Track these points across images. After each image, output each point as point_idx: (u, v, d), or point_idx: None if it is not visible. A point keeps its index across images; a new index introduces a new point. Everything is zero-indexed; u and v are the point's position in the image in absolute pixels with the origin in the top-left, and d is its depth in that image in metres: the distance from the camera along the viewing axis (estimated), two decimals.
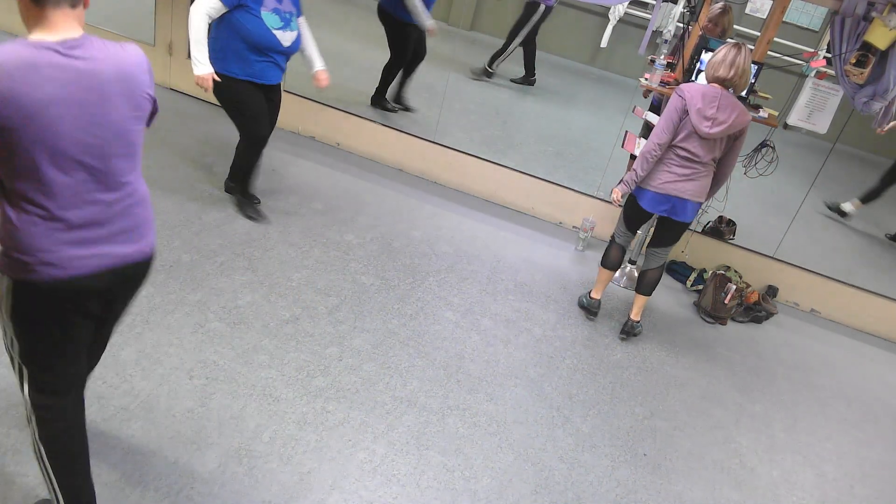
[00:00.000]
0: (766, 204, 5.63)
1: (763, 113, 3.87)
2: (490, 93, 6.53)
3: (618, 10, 7.58)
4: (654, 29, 4.06)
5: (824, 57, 3.92)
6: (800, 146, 6.01)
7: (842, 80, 3.61)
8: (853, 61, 3.49)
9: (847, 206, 5.82)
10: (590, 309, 3.66)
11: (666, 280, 4.35)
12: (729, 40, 3.42)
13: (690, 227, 4.36)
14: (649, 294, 3.60)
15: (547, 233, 4.51)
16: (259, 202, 3.80)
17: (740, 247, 4.43)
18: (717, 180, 3.36)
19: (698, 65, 3.64)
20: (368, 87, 5.33)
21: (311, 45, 3.55)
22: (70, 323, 1.75)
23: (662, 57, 3.98)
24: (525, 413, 2.94)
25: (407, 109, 5.40)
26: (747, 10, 7.39)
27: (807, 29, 7.47)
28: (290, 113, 4.63)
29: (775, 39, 3.94)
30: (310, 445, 2.51)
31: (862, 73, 3.49)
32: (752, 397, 3.46)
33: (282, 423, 2.57)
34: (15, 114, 1.49)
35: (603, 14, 7.80)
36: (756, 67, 3.74)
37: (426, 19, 4.95)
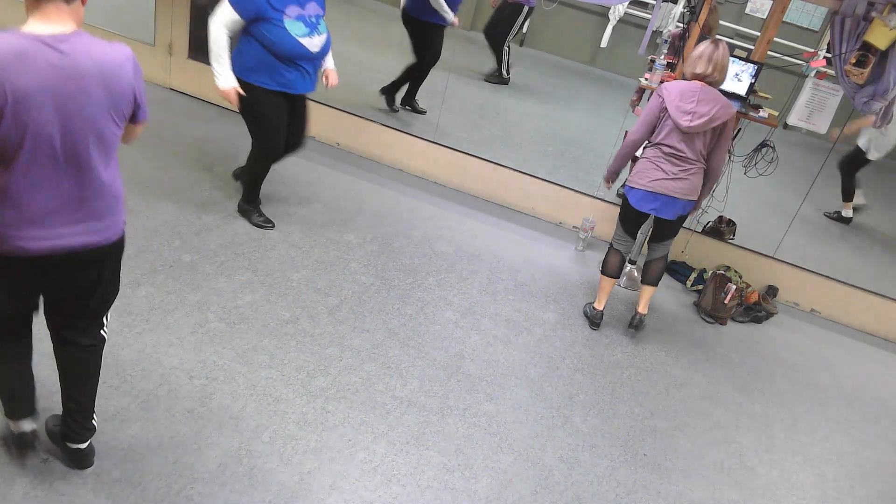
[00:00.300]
0: (766, 204, 5.63)
1: (763, 113, 3.88)
2: (490, 93, 6.53)
3: (618, 10, 7.58)
4: (654, 29, 4.06)
5: (824, 57, 3.92)
6: (800, 146, 6.01)
7: (842, 80, 3.61)
8: (853, 61, 3.49)
9: (847, 212, 5.81)
10: (593, 320, 3.64)
11: (666, 280, 4.35)
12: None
13: (690, 228, 4.37)
14: (655, 284, 3.62)
15: (547, 233, 4.51)
16: (272, 225, 3.74)
17: (740, 247, 4.43)
18: (709, 176, 3.37)
19: None
20: (369, 87, 5.33)
21: None
22: (14, 282, 1.89)
23: (662, 57, 3.98)
24: (525, 413, 2.94)
25: (418, 111, 5.42)
26: (747, 10, 7.38)
27: (807, 29, 7.47)
28: None
29: (775, 39, 3.94)
30: (310, 445, 2.51)
31: (862, 73, 3.49)
32: (752, 397, 3.46)
33: (282, 423, 2.57)
34: (0, 99, 1.59)
35: (603, 14, 7.80)
36: (756, 67, 3.75)
37: (448, 13, 5.01)
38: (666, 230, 3.51)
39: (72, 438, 2.14)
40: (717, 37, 3.61)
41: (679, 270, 4.41)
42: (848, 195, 5.76)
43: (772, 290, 4.38)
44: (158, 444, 2.35)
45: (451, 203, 4.54)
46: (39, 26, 1.65)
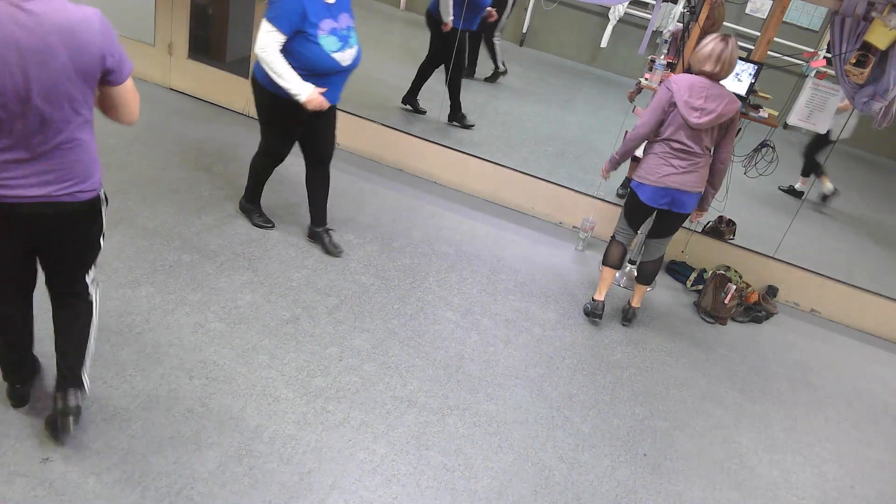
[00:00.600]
0: (766, 204, 5.63)
1: (763, 113, 3.87)
2: (490, 93, 6.53)
3: (618, 10, 7.58)
4: (654, 29, 4.06)
5: (824, 57, 3.92)
6: (800, 146, 6.01)
7: (842, 80, 3.61)
8: (853, 61, 3.49)
9: (801, 187, 5.83)
10: (593, 311, 3.65)
11: (666, 280, 4.36)
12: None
13: (690, 228, 4.37)
14: (649, 283, 3.69)
15: (547, 233, 4.51)
16: (273, 225, 3.73)
17: (740, 247, 4.43)
18: (716, 171, 3.39)
19: None
20: (368, 87, 5.33)
21: None
22: None
23: (662, 57, 3.98)
24: (525, 413, 2.94)
25: (418, 111, 5.45)
26: (747, 10, 7.38)
27: (807, 29, 7.47)
28: None
29: (775, 39, 3.94)
30: (310, 445, 2.51)
31: (862, 73, 3.48)
32: (752, 397, 3.46)
33: (282, 423, 2.57)
34: None
35: (603, 14, 7.80)
36: (756, 67, 3.75)
37: (447, 15, 5.05)
38: (667, 227, 3.53)
39: (59, 387, 2.22)
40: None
41: (679, 270, 4.41)
42: (806, 171, 5.82)
43: (772, 290, 4.38)
44: (158, 444, 2.35)
45: (451, 203, 4.54)
46: None
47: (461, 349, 3.21)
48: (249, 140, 4.58)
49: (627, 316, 3.73)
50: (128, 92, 2.01)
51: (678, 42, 4.08)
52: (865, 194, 6.77)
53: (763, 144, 4.05)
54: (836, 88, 3.84)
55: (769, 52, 3.93)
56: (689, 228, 4.36)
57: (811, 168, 5.77)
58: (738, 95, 3.81)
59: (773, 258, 4.40)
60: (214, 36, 5.22)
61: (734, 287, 3.97)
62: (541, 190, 4.60)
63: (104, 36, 1.87)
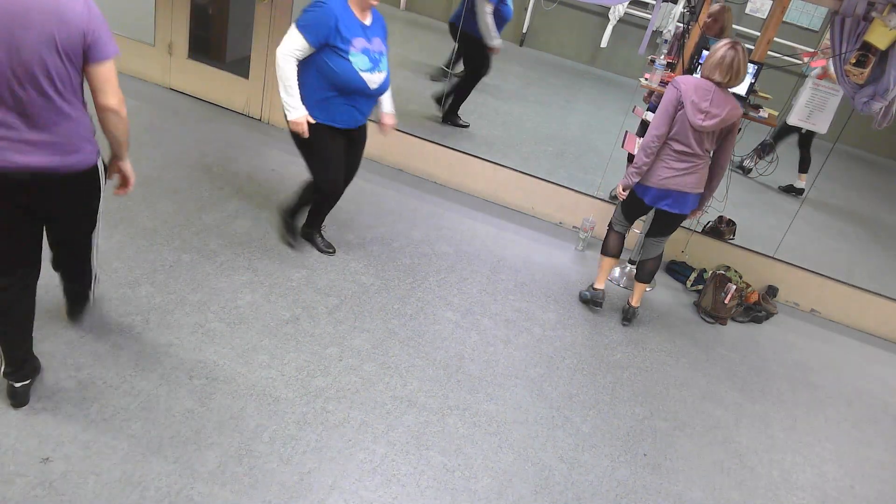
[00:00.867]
0: (766, 204, 5.63)
1: (763, 113, 3.88)
2: (490, 93, 6.53)
3: (618, 10, 7.58)
4: (654, 29, 4.06)
5: (819, 54, 3.92)
6: (794, 144, 6.01)
7: (842, 80, 3.61)
8: (853, 61, 3.49)
9: (800, 184, 5.82)
10: (594, 300, 3.68)
11: (666, 280, 4.36)
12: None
13: (690, 228, 4.37)
14: (648, 281, 3.71)
15: (547, 233, 4.51)
16: (333, 251, 3.67)
17: (740, 247, 4.43)
18: (715, 173, 3.43)
19: (699, 66, 3.64)
20: None
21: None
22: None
23: (662, 57, 3.98)
24: (525, 413, 2.94)
25: (460, 126, 5.45)
26: (747, 10, 7.39)
27: (807, 29, 7.47)
28: None
29: (775, 39, 3.94)
30: (310, 445, 2.51)
31: (862, 73, 3.48)
32: (752, 397, 3.46)
33: (282, 423, 2.57)
34: None
35: (603, 14, 7.80)
36: (756, 67, 3.75)
37: (493, 39, 5.05)
38: (666, 226, 3.56)
39: (70, 298, 2.63)
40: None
41: (679, 270, 4.41)
42: (804, 167, 5.81)
43: (772, 290, 4.38)
44: (158, 444, 2.35)
45: (451, 203, 4.54)
46: None
47: (461, 349, 3.21)
48: (249, 140, 4.59)
49: (627, 315, 3.74)
50: (108, 71, 2.09)
51: (678, 42, 4.07)
52: (865, 194, 6.77)
53: (768, 148, 4.04)
54: (836, 88, 3.84)
55: (769, 53, 3.93)
56: (689, 228, 4.36)
57: (808, 163, 5.77)
58: (737, 96, 3.81)
59: (773, 258, 4.41)
60: (214, 36, 5.21)
61: (734, 287, 3.97)
62: (541, 190, 4.60)
63: (89, 11, 1.98)
